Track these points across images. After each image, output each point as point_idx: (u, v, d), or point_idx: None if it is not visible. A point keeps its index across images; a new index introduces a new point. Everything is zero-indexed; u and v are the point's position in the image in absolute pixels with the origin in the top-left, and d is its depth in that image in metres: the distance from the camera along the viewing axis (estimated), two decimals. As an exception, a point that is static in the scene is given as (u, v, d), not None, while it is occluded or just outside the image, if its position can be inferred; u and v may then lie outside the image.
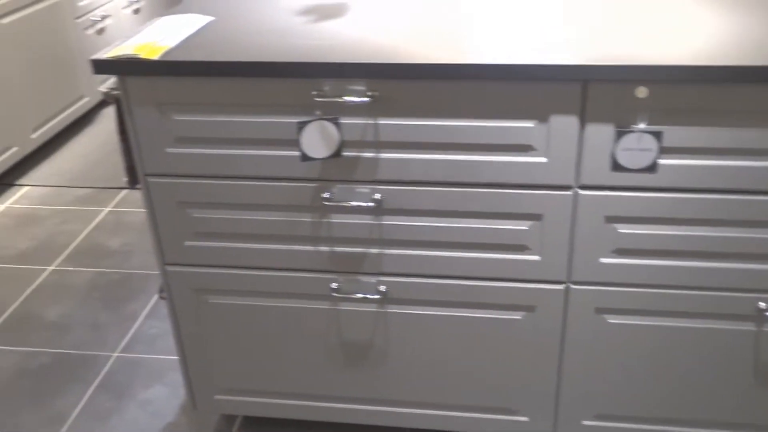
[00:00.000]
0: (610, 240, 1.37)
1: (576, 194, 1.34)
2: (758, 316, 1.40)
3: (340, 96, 1.30)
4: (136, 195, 3.04)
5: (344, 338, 1.56)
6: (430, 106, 1.30)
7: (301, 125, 1.31)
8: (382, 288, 1.48)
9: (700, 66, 1.18)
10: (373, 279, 1.48)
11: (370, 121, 1.32)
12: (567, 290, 1.43)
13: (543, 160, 1.31)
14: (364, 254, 1.45)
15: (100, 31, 3.76)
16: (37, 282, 2.49)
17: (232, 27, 1.47)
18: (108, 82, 3.88)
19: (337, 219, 1.42)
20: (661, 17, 1.43)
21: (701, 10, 1.46)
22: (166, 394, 1.96)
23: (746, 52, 1.23)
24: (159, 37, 1.38)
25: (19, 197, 3.07)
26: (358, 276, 1.48)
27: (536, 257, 1.41)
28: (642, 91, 1.23)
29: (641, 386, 1.51)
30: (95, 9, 3.72)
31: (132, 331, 2.22)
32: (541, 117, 1.28)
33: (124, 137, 1.43)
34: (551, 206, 1.35)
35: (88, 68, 3.66)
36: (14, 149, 3.14)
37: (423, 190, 1.37)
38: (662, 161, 1.29)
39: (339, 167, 1.37)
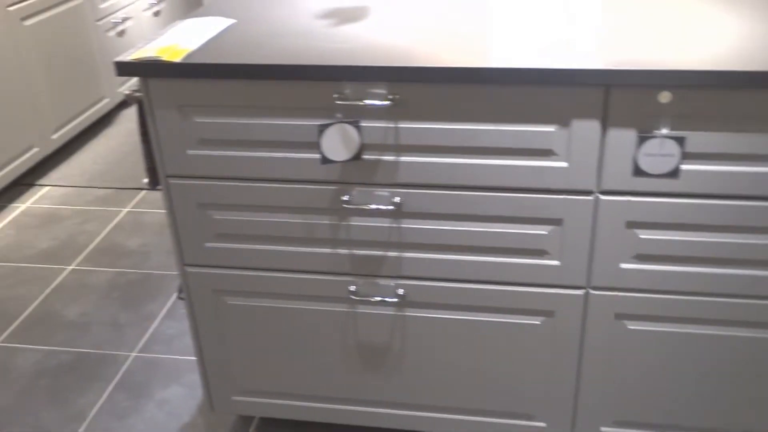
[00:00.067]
0: (630, 245, 1.36)
1: (597, 199, 1.33)
2: (781, 324, 1.39)
3: (361, 99, 1.30)
4: (155, 195, 3.06)
5: (362, 341, 1.56)
6: (450, 110, 1.30)
7: (322, 128, 1.31)
8: (401, 291, 1.48)
9: (723, 71, 1.17)
10: (391, 282, 1.48)
11: (390, 125, 1.32)
12: (586, 296, 1.42)
13: (564, 164, 1.31)
14: (382, 257, 1.45)
15: (121, 33, 3.79)
16: (57, 281, 2.51)
17: (254, 30, 1.48)
18: (128, 83, 3.91)
19: (356, 222, 1.42)
20: (682, 22, 1.42)
21: (723, 15, 1.45)
22: (184, 394, 1.97)
23: (771, 57, 1.22)
24: (181, 40, 1.39)
25: (39, 197, 3.10)
26: (376, 279, 1.48)
27: (556, 262, 1.40)
28: (665, 96, 1.22)
29: (660, 393, 1.50)
30: (116, 11, 3.75)
31: (150, 331, 2.23)
32: (563, 121, 1.27)
33: (146, 139, 1.44)
34: (572, 211, 1.35)
35: (108, 70, 3.69)
36: (35, 149, 3.17)
37: (443, 193, 1.37)
38: (684, 167, 1.28)
39: (359, 170, 1.37)
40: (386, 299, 1.48)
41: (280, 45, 1.37)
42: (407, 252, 1.44)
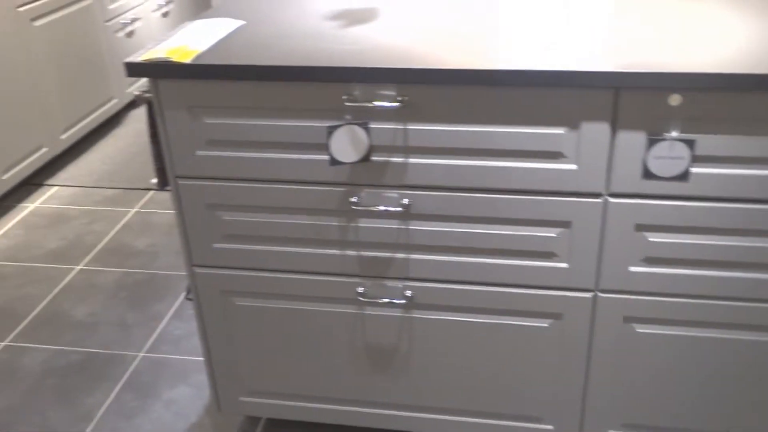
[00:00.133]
0: (639, 248, 1.35)
1: (606, 202, 1.33)
2: (790, 328, 1.38)
3: (370, 101, 1.30)
4: (163, 196, 3.07)
5: (369, 343, 1.56)
6: (460, 112, 1.29)
7: (331, 129, 1.31)
8: (408, 293, 1.48)
9: (733, 74, 1.17)
10: (399, 284, 1.48)
11: (399, 126, 1.32)
12: (595, 298, 1.42)
13: (573, 167, 1.31)
14: (390, 259, 1.45)
15: (130, 34, 3.80)
16: (65, 281, 2.52)
17: (263, 31, 1.48)
18: (136, 84, 3.92)
19: (364, 223, 1.43)
20: (690, 24, 1.41)
21: (731, 17, 1.45)
22: (191, 394, 1.98)
23: (782, 60, 1.21)
24: (191, 41, 1.40)
25: (48, 197, 3.11)
26: (384, 281, 1.48)
27: (564, 264, 1.40)
28: (675, 99, 1.21)
29: (668, 396, 1.50)
30: (125, 12, 3.76)
31: (157, 331, 2.24)
32: (572, 124, 1.27)
33: (155, 139, 1.45)
34: (580, 213, 1.34)
35: (117, 70, 3.70)
36: (44, 150, 3.18)
37: (451, 195, 1.37)
38: (694, 170, 1.27)
39: (367, 172, 1.37)
40: (394, 301, 1.48)
41: (290, 46, 1.38)
42: (415, 254, 1.44)
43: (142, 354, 2.14)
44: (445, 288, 1.46)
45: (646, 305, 1.40)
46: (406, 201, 1.39)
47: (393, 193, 1.39)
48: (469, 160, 1.33)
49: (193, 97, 1.35)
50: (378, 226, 1.42)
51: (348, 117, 1.33)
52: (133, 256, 2.65)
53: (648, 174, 1.28)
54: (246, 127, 1.37)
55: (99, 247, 2.72)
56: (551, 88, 1.25)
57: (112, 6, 3.64)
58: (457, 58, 1.28)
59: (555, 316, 1.45)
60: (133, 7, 3.83)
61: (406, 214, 1.40)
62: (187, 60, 1.31)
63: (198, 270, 1.54)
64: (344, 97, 1.30)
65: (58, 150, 3.29)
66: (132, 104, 4.01)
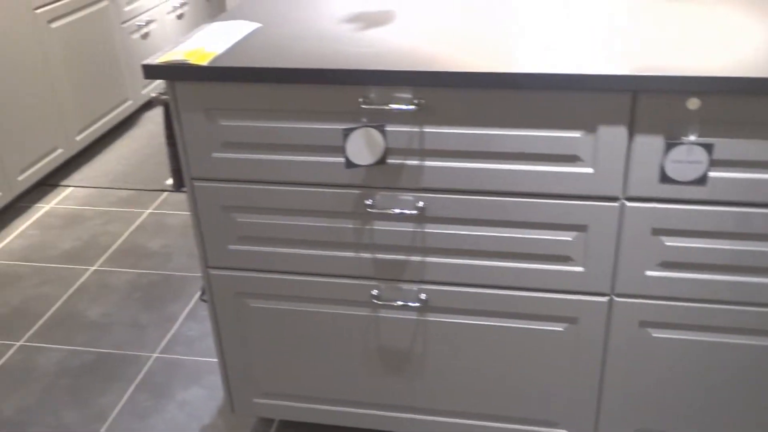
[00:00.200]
0: (656, 253, 1.35)
1: (623, 206, 1.32)
2: (809, 334, 1.37)
3: (386, 103, 1.30)
4: (177, 197, 3.08)
5: (383, 345, 1.56)
6: (476, 115, 1.29)
7: (347, 132, 1.31)
8: (423, 296, 1.48)
9: (752, 78, 1.16)
10: (414, 287, 1.48)
11: (415, 129, 1.32)
12: (611, 302, 1.41)
13: (589, 170, 1.30)
14: (405, 262, 1.45)
15: (145, 36, 3.82)
16: (80, 282, 2.53)
17: (279, 34, 1.48)
18: (151, 86, 3.94)
19: (379, 226, 1.42)
20: (707, 27, 1.41)
21: (748, 21, 1.44)
22: (204, 395, 1.98)
23: (802, 64, 1.20)
24: (208, 44, 1.40)
25: (63, 198, 3.13)
26: (399, 283, 1.48)
27: (580, 268, 1.39)
28: (694, 103, 1.21)
29: (684, 402, 1.49)
30: (140, 14, 3.78)
31: (171, 332, 2.25)
32: (589, 127, 1.27)
33: (172, 141, 1.45)
34: (597, 217, 1.34)
35: (132, 72, 3.72)
36: (60, 151, 3.20)
37: (467, 198, 1.37)
38: (712, 174, 1.26)
39: (383, 174, 1.37)
40: (409, 304, 1.48)
41: (306, 49, 1.38)
42: (430, 257, 1.44)
43: (155, 355, 2.15)
44: (459, 291, 1.46)
45: (662, 310, 1.40)
46: (421, 204, 1.38)
47: (408, 196, 1.39)
48: (485, 164, 1.33)
49: (210, 99, 1.36)
50: (393, 229, 1.42)
51: (364, 120, 1.33)
52: (147, 257, 2.66)
53: (665, 178, 1.28)
54: (262, 130, 1.37)
55: (113, 247, 2.73)
56: (568, 92, 1.24)
57: (128, 8, 3.66)
58: (473, 61, 1.28)
59: (570, 320, 1.45)
60: (148, 9, 3.85)
61: (422, 217, 1.40)
62: (205, 62, 1.31)
63: (213, 272, 1.54)
64: (360, 100, 1.30)
65: (73, 151, 3.31)
66: (146, 106, 4.03)
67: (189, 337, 2.21)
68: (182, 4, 4.19)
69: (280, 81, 1.30)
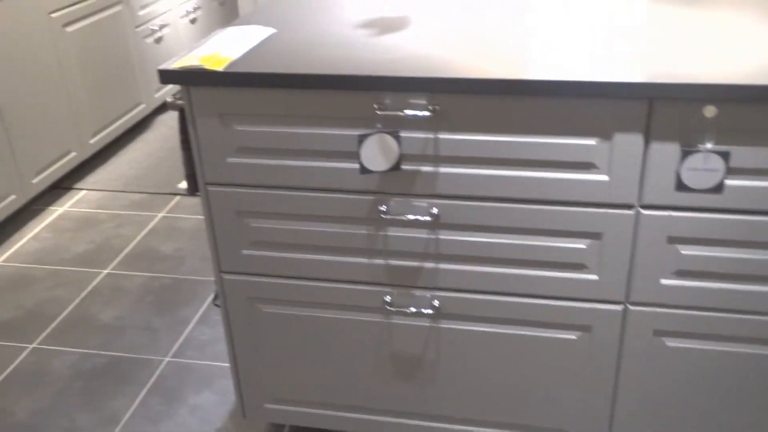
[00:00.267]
0: (671, 261, 1.34)
1: (638, 213, 1.31)
2: (826, 344, 1.36)
3: (401, 109, 1.30)
4: (189, 201, 3.09)
5: (395, 352, 1.56)
6: (491, 121, 1.29)
7: (362, 138, 1.31)
8: (436, 303, 1.47)
9: (771, 86, 1.15)
10: (427, 293, 1.47)
11: (430, 135, 1.32)
12: (625, 311, 1.40)
13: (605, 178, 1.29)
14: (419, 268, 1.45)
15: (158, 40, 3.84)
16: (93, 284, 2.54)
17: (294, 39, 1.48)
18: (164, 89, 3.95)
19: (393, 232, 1.42)
20: (723, 34, 1.40)
21: (762, 27, 1.43)
22: (216, 400, 1.98)
23: (821, 72, 1.20)
24: (223, 49, 1.41)
25: (77, 201, 3.14)
26: (412, 290, 1.48)
27: (594, 276, 1.39)
28: (711, 110, 1.20)
29: (699, 411, 1.47)
30: (154, 18, 3.80)
31: (183, 336, 2.25)
32: (604, 134, 1.26)
33: (186, 146, 1.46)
34: (611, 225, 1.33)
35: (145, 76, 3.74)
36: (73, 154, 3.22)
37: (481, 205, 1.36)
38: (729, 182, 1.25)
39: (397, 180, 1.37)
40: (422, 310, 1.48)
41: (321, 55, 1.38)
42: (444, 263, 1.43)
43: (167, 359, 2.15)
44: (473, 298, 1.45)
45: (677, 319, 1.39)
46: (435, 210, 1.38)
47: (422, 203, 1.38)
48: (500, 170, 1.33)
49: (225, 104, 1.36)
50: (407, 235, 1.42)
51: (379, 126, 1.33)
52: (159, 261, 2.67)
53: (681, 186, 1.27)
54: (277, 135, 1.37)
55: (126, 251, 2.74)
56: (584, 99, 1.24)
57: (142, 12, 3.68)
58: (488, 67, 1.27)
59: (584, 328, 1.44)
60: (161, 14, 3.87)
61: (435, 224, 1.40)
62: (220, 68, 1.31)
63: (226, 276, 1.55)
64: (375, 106, 1.30)
65: (86, 154, 3.32)
66: (159, 109, 4.05)
67: (201, 341, 2.22)
68: (195, 9, 4.21)
69: (296, 86, 1.30)
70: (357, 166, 1.37)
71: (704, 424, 1.48)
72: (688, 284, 1.35)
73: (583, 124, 1.26)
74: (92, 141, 3.35)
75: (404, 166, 1.35)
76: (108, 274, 2.60)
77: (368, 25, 1.56)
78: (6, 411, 1.98)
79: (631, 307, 1.40)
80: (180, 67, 1.33)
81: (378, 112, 1.30)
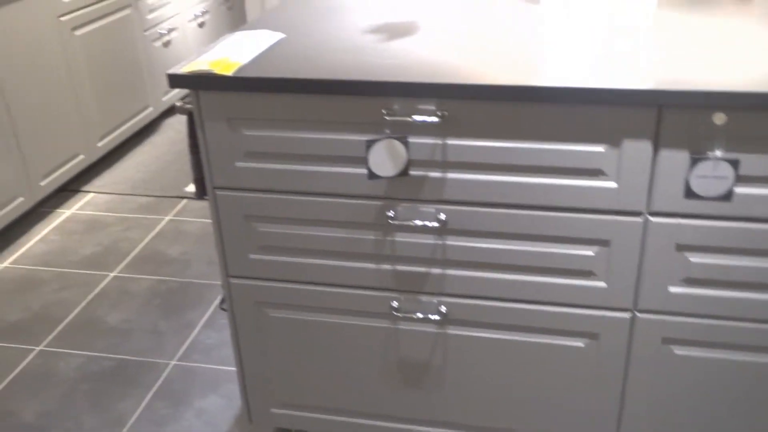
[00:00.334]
0: (680, 269, 1.33)
1: (646, 221, 1.31)
2: (835, 353, 1.35)
3: (410, 115, 1.30)
4: (196, 204, 3.10)
5: (402, 357, 1.55)
6: (499, 128, 1.29)
7: (370, 143, 1.31)
8: (443, 309, 1.47)
9: (782, 94, 1.15)
10: (434, 299, 1.47)
11: (438, 141, 1.32)
12: (633, 318, 1.40)
13: (613, 185, 1.29)
14: (426, 274, 1.45)
15: (167, 44, 3.85)
16: (100, 287, 2.55)
17: (303, 44, 1.49)
18: (172, 93, 3.96)
19: (400, 238, 1.42)
20: (734, 41, 1.39)
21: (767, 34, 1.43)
22: (222, 404, 1.98)
23: (831, 80, 1.19)
24: (232, 54, 1.41)
25: (84, 203, 3.15)
26: (419, 296, 1.47)
27: (602, 284, 1.38)
28: (720, 118, 1.20)
29: (707, 421, 1.47)
30: (162, 22, 3.81)
31: (189, 339, 2.25)
32: (613, 141, 1.26)
33: (195, 150, 1.46)
34: (620, 232, 1.33)
35: (153, 79, 3.75)
36: (81, 157, 3.23)
37: (489, 211, 1.36)
38: (738, 190, 1.25)
39: (405, 186, 1.37)
40: (429, 316, 1.47)
41: (330, 60, 1.38)
42: (451, 269, 1.43)
43: (173, 362, 2.16)
44: (480, 304, 1.45)
45: (685, 327, 1.38)
46: (443, 216, 1.38)
47: (430, 208, 1.38)
48: (508, 177, 1.32)
49: (234, 109, 1.36)
50: (414, 241, 1.42)
51: (387, 131, 1.33)
52: (166, 264, 2.67)
53: (690, 193, 1.27)
54: (285, 140, 1.37)
55: (133, 254, 2.75)
56: (593, 106, 1.24)
57: (150, 16, 3.69)
58: (497, 74, 1.27)
59: (591, 335, 1.44)
60: (170, 17, 3.88)
61: (443, 230, 1.40)
62: (230, 72, 1.32)
63: (233, 281, 1.55)
64: (384, 111, 1.31)
65: (94, 157, 3.33)
66: (167, 112, 4.06)
67: (207, 345, 2.22)
68: (203, 13, 4.23)
69: (305, 92, 1.30)
70: (365, 171, 1.37)
71: (712, 432, 1.48)
72: (697, 292, 1.35)
73: (591, 130, 1.26)
74: (100, 144, 3.36)
75: (412, 172, 1.35)
76: (115, 276, 2.61)
77: (377, 30, 1.56)
78: (13, 413, 1.98)
79: (639, 315, 1.39)
80: (189, 72, 1.33)
81: (386, 118, 1.30)
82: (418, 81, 1.26)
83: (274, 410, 1.70)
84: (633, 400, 1.48)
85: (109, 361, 2.17)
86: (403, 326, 1.52)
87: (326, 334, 1.56)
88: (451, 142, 1.31)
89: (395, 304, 1.49)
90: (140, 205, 3.12)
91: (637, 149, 1.25)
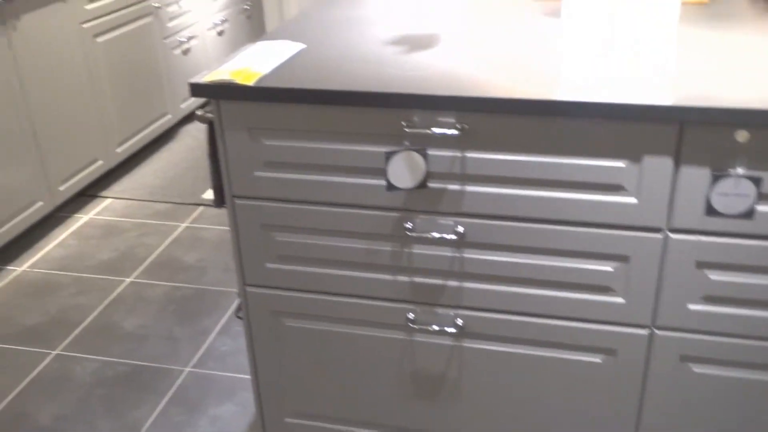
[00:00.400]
0: (700, 286, 1.32)
1: (666, 237, 1.30)
2: None
3: (429, 127, 1.30)
4: (213, 212, 3.11)
5: (417, 370, 1.55)
6: (519, 141, 1.29)
7: (389, 155, 1.32)
8: (459, 321, 1.47)
9: (806, 112, 1.14)
10: (450, 312, 1.47)
11: (457, 154, 1.32)
12: (651, 335, 1.39)
13: (633, 200, 1.28)
14: (443, 286, 1.44)
15: (186, 52, 3.89)
16: (116, 293, 2.56)
17: (323, 55, 1.49)
18: (190, 100, 3.99)
19: (418, 250, 1.42)
20: (756, 58, 1.38)
21: (805, 53, 1.41)
22: (236, 412, 1.99)
23: None
24: (253, 64, 1.42)
25: (102, 209, 3.18)
26: (435, 308, 1.47)
27: (620, 300, 1.37)
28: (743, 135, 1.19)
29: (725, 440, 1.45)
30: (182, 30, 3.85)
31: (204, 346, 2.26)
32: (634, 157, 1.25)
33: (215, 158, 1.47)
34: (639, 248, 1.32)
35: (172, 87, 3.78)
36: (100, 162, 3.26)
37: (507, 225, 1.36)
38: (760, 208, 1.24)
39: (423, 198, 1.37)
40: (445, 329, 1.47)
41: (350, 71, 1.39)
42: (468, 282, 1.43)
43: (188, 369, 2.16)
44: (497, 318, 1.45)
45: (704, 345, 1.37)
46: (460, 229, 1.38)
47: (448, 221, 1.38)
48: (527, 190, 1.32)
49: (254, 118, 1.37)
50: (431, 253, 1.42)
51: (406, 143, 1.33)
52: (182, 271, 2.68)
53: (711, 210, 1.26)
54: (304, 150, 1.38)
55: (150, 260, 2.76)
56: (614, 121, 1.23)
57: (170, 24, 3.73)
58: (518, 87, 1.27)
59: (609, 351, 1.43)
60: (189, 26, 3.91)
61: (461, 242, 1.40)
62: (251, 82, 1.32)
63: (250, 289, 1.55)
64: (403, 123, 1.31)
65: (113, 163, 3.36)
66: (185, 120, 4.09)
67: (222, 353, 2.22)
68: (223, 22, 4.26)
69: (325, 102, 1.31)
70: (384, 182, 1.37)
71: (730, 452, 1.46)
72: (716, 310, 1.34)
73: (612, 146, 1.25)
74: (119, 150, 3.39)
75: (431, 184, 1.35)
76: (131, 282, 2.62)
77: (397, 42, 1.57)
78: (29, 416, 1.99)
79: (658, 332, 1.38)
80: (211, 81, 1.34)
81: (406, 130, 1.31)
82: (438, 94, 1.26)
83: (288, 419, 1.70)
84: (650, 416, 1.46)
85: (125, 367, 2.18)
86: (419, 338, 1.51)
87: (342, 345, 1.56)
88: (470, 155, 1.31)
89: (411, 315, 1.49)
90: (157, 212, 3.14)
91: (658, 165, 1.24)
